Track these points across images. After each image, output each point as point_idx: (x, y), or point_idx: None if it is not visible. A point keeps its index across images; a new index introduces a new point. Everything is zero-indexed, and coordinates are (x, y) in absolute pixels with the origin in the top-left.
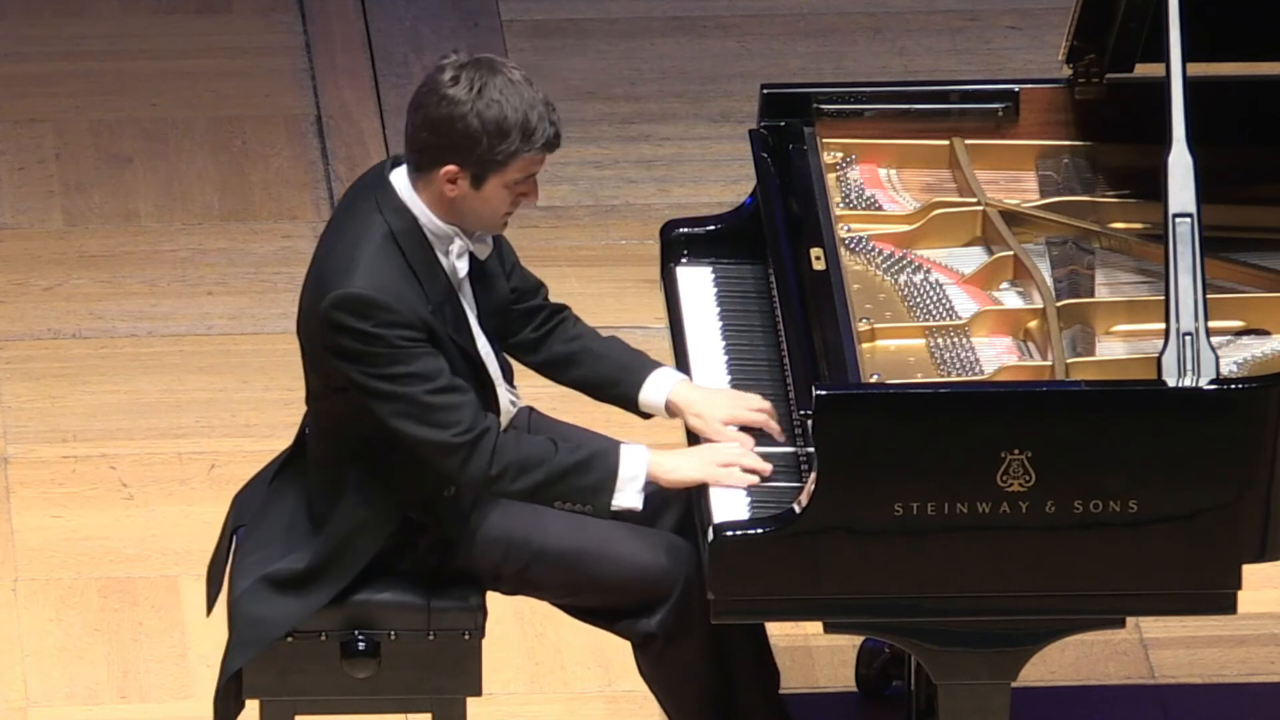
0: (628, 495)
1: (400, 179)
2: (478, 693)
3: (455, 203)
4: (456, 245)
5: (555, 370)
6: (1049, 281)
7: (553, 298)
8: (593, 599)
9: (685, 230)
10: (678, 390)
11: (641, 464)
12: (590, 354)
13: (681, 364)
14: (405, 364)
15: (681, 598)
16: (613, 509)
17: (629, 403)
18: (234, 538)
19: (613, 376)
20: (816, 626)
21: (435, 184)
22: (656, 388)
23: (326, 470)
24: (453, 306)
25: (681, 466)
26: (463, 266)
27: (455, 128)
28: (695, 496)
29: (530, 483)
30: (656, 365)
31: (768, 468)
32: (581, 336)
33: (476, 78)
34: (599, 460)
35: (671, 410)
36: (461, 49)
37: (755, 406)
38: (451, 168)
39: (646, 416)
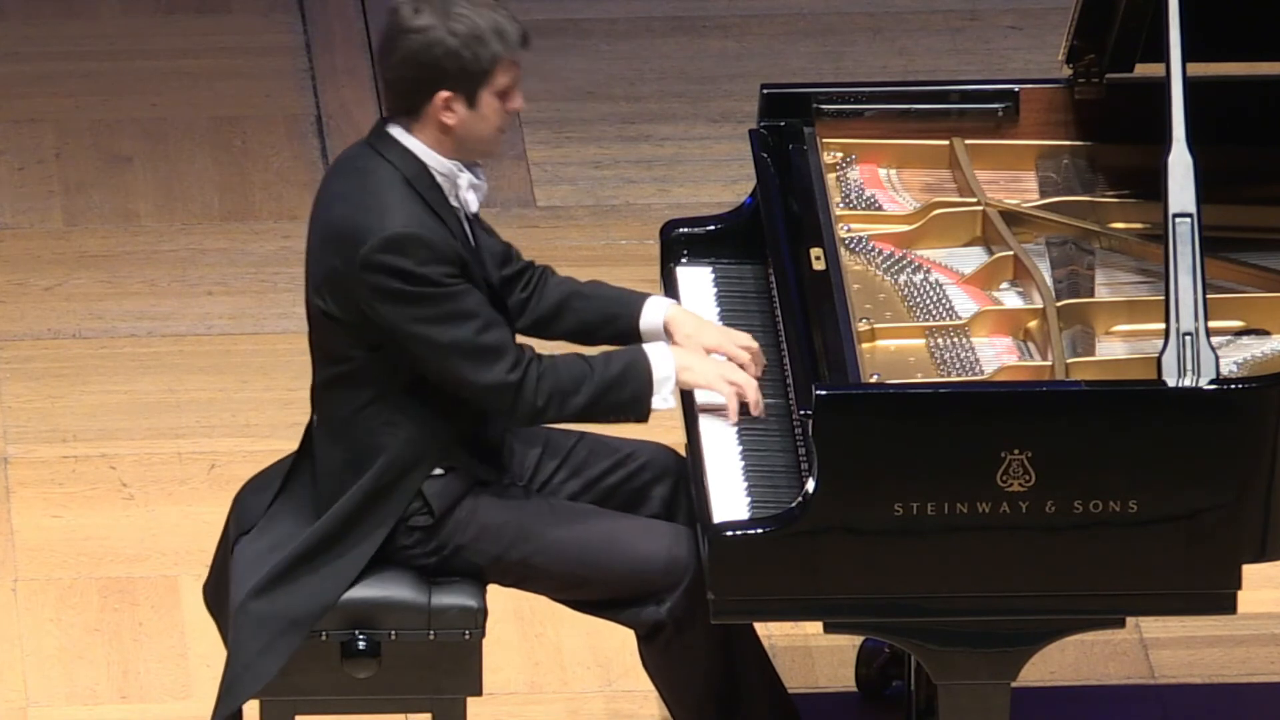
0: (663, 398)
1: (396, 130)
2: (478, 693)
3: (455, 131)
4: (464, 179)
5: (548, 323)
6: (1049, 281)
7: None
8: (596, 590)
9: (685, 230)
10: (672, 312)
11: (670, 364)
12: (580, 297)
13: None
14: (451, 302)
15: (691, 585)
16: (650, 412)
17: (627, 334)
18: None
19: (609, 312)
20: (816, 626)
21: (432, 118)
22: (654, 311)
23: (348, 438)
24: (470, 243)
25: (696, 366)
26: (472, 201)
27: (434, 52)
28: (694, 491)
29: (575, 407)
30: (648, 294)
31: (760, 412)
32: (565, 283)
33: (438, 4)
34: (633, 370)
35: (666, 329)
36: None
37: (743, 344)
38: (444, 93)
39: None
